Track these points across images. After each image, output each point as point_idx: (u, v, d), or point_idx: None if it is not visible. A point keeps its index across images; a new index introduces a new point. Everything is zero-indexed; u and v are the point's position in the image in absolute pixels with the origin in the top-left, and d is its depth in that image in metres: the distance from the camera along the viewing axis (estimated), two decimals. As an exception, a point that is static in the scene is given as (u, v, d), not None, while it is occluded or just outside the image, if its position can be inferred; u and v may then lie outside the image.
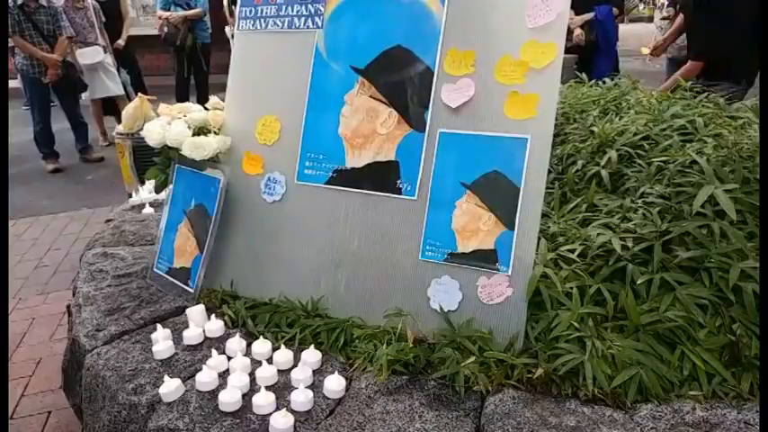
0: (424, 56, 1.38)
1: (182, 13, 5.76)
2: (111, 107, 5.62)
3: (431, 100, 1.37)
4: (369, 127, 1.43)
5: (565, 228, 1.49)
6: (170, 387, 1.13)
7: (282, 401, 1.13)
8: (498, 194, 1.29)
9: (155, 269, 1.60)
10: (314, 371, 1.21)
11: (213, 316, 1.38)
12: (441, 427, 1.05)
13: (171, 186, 1.62)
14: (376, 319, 1.36)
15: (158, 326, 1.31)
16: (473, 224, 1.31)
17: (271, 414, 1.08)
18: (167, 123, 1.62)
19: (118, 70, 5.54)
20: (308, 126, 1.50)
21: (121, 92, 5.49)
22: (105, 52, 5.33)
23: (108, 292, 1.55)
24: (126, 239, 1.90)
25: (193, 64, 6.01)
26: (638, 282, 1.26)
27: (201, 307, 1.40)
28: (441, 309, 1.29)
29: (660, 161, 1.67)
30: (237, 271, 1.55)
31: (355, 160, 1.44)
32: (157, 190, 1.68)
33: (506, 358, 1.18)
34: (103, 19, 5.37)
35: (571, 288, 1.27)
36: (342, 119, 1.46)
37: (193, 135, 1.56)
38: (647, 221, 1.43)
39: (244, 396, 1.13)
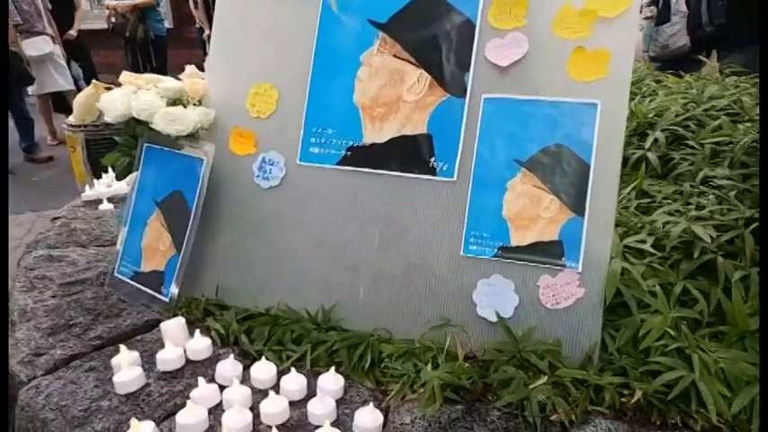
0: (462, 5, 1.12)
1: (130, 1, 5.34)
2: (60, 104, 5.14)
3: (472, 58, 1.10)
4: (393, 93, 1.15)
5: (622, 217, 1.25)
6: (141, 433, 0.82)
7: (300, 446, 0.83)
8: (563, 173, 1.03)
9: (116, 274, 1.27)
10: (336, 401, 0.92)
11: (197, 332, 1.06)
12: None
13: (137, 172, 1.29)
14: (406, 332, 1.08)
15: (121, 347, 0.98)
16: (531, 210, 1.05)
17: (287, 466, 0.78)
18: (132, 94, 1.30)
19: (68, 63, 5.07)
20: (314, 94, 1.21)
21: (72, 87, 5.02)
22: (54, 43, 4.87)
23: (52, 305, 1.21)
24: (77, 239, 1.56)
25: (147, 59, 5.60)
26: (734, 278, 1.03)
27: (181, 320, 1.08)
28: (497, 316, 1.02)
29: (713, 143, 1.46)
30: (224, 275, 1.24)
31: (375, 135, 1.16)
32: (119, 176, 1.35)
33: (588, 377, 0.92)
34: (49, 6, 4.91)
35: (654, 286, 1.02)
36: (357, 84, 1.17)
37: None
38: (723, 207, 1.20)
39: (246, 441, 0.83)
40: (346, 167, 1.17)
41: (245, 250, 1.23)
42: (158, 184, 1.25)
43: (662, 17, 4.45)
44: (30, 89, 4.85)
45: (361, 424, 0.85)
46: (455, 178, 1.10)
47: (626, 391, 0.91)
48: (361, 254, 1.14)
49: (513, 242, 1.05)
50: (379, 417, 0.87)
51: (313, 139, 1.20)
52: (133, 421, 0.81)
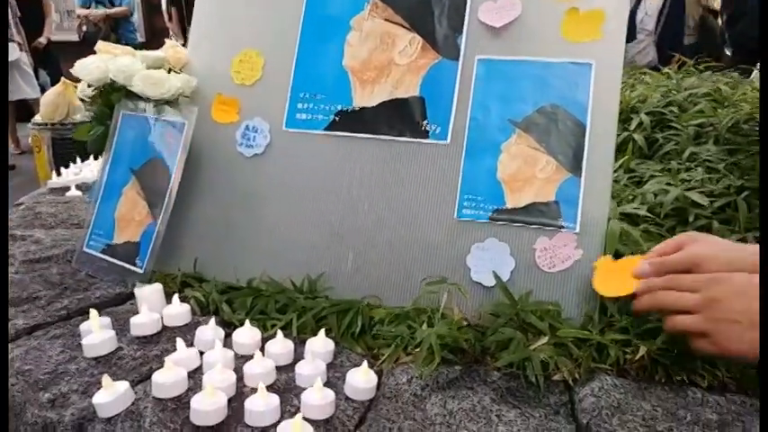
0: (454, -32, 1.10)
1: (102, 10, 5.26)
2: (26, 112, 4.99)
3: (465, 21, 1.08)
4: (384, 57, 1.12)
5: (613, 190, 1.23)
6: (111, 394, 0.74)
7: (288, 407, 0.77)
8: (558, 133, 1.01)
9: (85, 249, 1.19)
10: (326, 365, 0.85)
11: (175, 297, 0.99)
12: (535, 426, 0.73)
13: (113, 140, 1.22)
14: (397, 301, 1.02)
15: (91, 311, 0.90)
16: (526, 171, 1.02)
17: (275, 426, 0.71)
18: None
19: (36, 71, 4.95)
20: (302, 59, 1.17)
21: (38, 95, 4.88)
22: (21, 50, 4.75)
23: (15, 279, 1.12)
24: (43, 222, 1.46)
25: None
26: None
27: (158, 286, 1.00)
28: (495, 276, 0.98)
29: (696, 124, 1.47)
30: (203, 248, 1.17)
31: (366, 98, 1.12)
32: (92, 149, 1.27)
33: (590, 336, 0.88)
34: (18, 14, 4.80)
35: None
36: (347, 48, 1.14)
37: (146, 71, 1.19)
38: (713, 177, 1.20)
39: (229, 402, 0.76)
40: (335, 132, 1.12)
41: (226, 221, 1.17)
42: (135, 152, 1.18)
43: (628, 35, 4.60)
44: (-7, 95, 4.70)
45: (354, 383, 0.79)
46: (448, 141, 1.06)
47: (629, 350, 0.87)
48: (348, 221, 1.09)
49: (509, 204, 1.02)
50: (374, 377, 0.81)
51: (300, 105, 1.16)
52: (105, 378, 0.74)
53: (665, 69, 2.01)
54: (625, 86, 1.89)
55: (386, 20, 1.12)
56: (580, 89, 1.01)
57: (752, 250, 0.79)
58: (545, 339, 0.87)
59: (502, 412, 0.76)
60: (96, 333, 0.86)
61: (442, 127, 1.07)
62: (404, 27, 1.11)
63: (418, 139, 1.07)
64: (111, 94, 1.21)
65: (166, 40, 1.34)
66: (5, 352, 0.86)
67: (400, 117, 1.09)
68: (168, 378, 0.77)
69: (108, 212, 1.19)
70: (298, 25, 1.17)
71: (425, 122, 1.08)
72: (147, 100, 1.15)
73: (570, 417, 0.77)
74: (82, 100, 1.31)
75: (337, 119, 1.13)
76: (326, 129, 1.13)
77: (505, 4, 1.06)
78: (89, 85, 1.23)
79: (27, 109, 4.95)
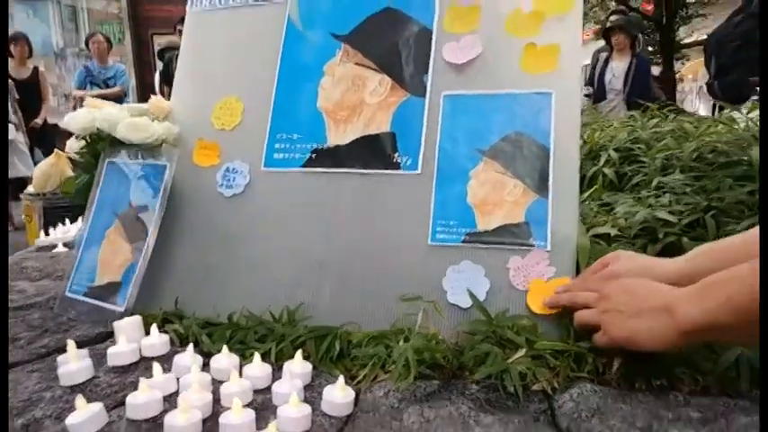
0: (418, 16, 1.19)
1: (98, 91, 5.47)
2: (21, 190, 5.05)
3: (431, 61, 1.16)
4: (355, 97, 1.18)
5: (584, 218, 1.27)
6: (83, 415, 0.73)
7: (264, 425, 0.76)
8: (523, 158, 1.06)
9: (66, 293, 1.20)
10: (304, 386, 0.85)
11: (153, 327, 0.99)
12: (513, 429, 0.72)
13: (97, 187, 1.26)
14: (375, 327, 1.03)
15: (69, 341, 0.90)
16: (495, 195, 1.06)
17: (250, 439, 0.70)
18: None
19: (32, 150, 5.07)
20: (279, 103, 1.24)
21: (32, 173, 4.96)
22: (17, 130, 4.89)
23: (-3, 324, 1.12)
24: (28, 276, 1.47)
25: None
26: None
27: (137, 318, 1.01)
28: (470, 295, 0.99)
29: (663, 157, 1.54)
30: (184, 286, 1.18)
31: (339, 137, 1.17)
32: (76, 197, 1.31)
33: (568, 347, 0.89)
34: (17, 96, 4.98)
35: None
36: (321, 91, 1.21)
37: (131, 121, 1.25)
38: (681, 200, 1.24)
39: (205, 422, 0.75)
40: (311, 169, 1.17)
41: (206, 260, 1.19)
42: (119, 197, 1.22)
43: (598, 95, 4.85)
44: (-12, 174, 4.78)
45: (331, 399, 0.79)
46: (419, 171, 1.11)
47: (606, 360, 0.87)
48: (326, 253, 1.12)
49: (480, 227, 1.05)
50: (351, 392, 0.81)
51: (278, 145, 1.21)
52: (79, 398, 0.73)
53: (631, 113, 2.11)
54: (593, 130, 1.98)
55: (356, 63, 1.20)
56: (542, 116, 1.07)
57: (670, 267, 0.89)
58: (522, 352, 0.88)
59: (480, 418, 0.75)
60: (72, 361, 0.86)
61: (413, 158, 1.12)
62: (373, 69, 1.19)
63: (390, 171, 1.12)
64: (97, 144, 1.26)
65: (152, 98, 1.41)
66: (5, 356, 0.86)
67: (372, 151, 1.14)
68: (143, 399, 0.76)
69: (91, 256, 1.21)
70: (274, 73, 1.25)
71: (396, 155, 1.13)
72: (131, 146, 1.20)
73: (551, 424, 0.77)
74: (71, 160, 1.37)
75: (313, 156, 1.18)
76: (303, 166, 1.18)
77: (467, 44, 1.14)
78: (76, 137, 1.28)
79: (22, 188, 5.02)
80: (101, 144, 1.26)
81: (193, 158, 1.26)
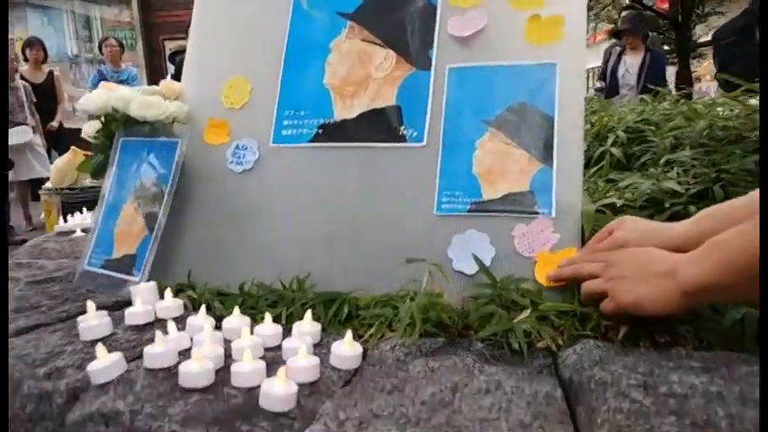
0: (422, -8, 1.21)
1: None
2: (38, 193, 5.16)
3: (435, 35, 1.18)
4: (361, 73, 1.21)
5: (591, 190, 1.28)
6: (104, 362, 0.76)
7: (274, 375, 0.78)
8: (528, 128, 1.08)
9: (85, 267, 1.23)
10: (314, 345, 0.87)
11: (167, 291, 1.02)
12: (516, 378, 0.74)
13: (113, 165, 1.29)
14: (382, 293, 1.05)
15: (89, 302, 0.94)
16: (500, 164, 1.07)
17: (259, 387, 0.73)
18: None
19: (49, 152, 5.17)
20: (286, 81, 1.27)
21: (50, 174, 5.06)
22: (34, 133, 4.99)
23: (18, 295, 1.16)
24: (48, 255, 1.52)
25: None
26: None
27: (153, 283, 1.04)
28: (476, 259, 1.01)
29: (672, 136, 1.54)
30: (197, 259, 1.21)
31: (346, 111, 1.20)
32: (94, 175, 1.35)
33: (573, 307, 0.90)
34: (34, 99, 5.09)
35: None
36: (327, 68, 1.24)
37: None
38: (688, 170, 1.25)
39: (217, 372, 0.78)
40: (319, 144, 1.20)
41: (217, 235, 1.22)
42: (133, 173, 1.26)
43: (611, 90, 4.80)
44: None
45: (340, 353, 0.81)
46: (425, 143, 1.13)
47: (611, 323, 0.88)
48: (333, 226, 1.14)
49: (485, 196, 1.07)
50: (359, 347, 0.83)
51: (285, 122, 1.24)
52: (100, 346, 0.77)
53: (642, 96, 2.11)
54: (601, 116, 1.98)
55: (362, 40, 1.23)
56: (546, 87, 1.09)
57: (676, 230, 0.90)
58: (527, 312, 0.90)
59: (485, 368, 0.77)
60: (92, 320, 0.89)
61: (418, 131, 1.14)
62: (379, 45, 1.21)
63: (396, 144, 1.14)
64: (112, 123, 1.29)
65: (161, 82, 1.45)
66: (5, 351, 0.89)
67: (378, 125, 1.16)
68: (159, 349, 0.79)
69: (108, 231, 1.24)
70: (281, 52, 1.28)
71: (402, 127, 1.15)
72: (144, 124, 1.24)
73: (554, 375, 0.78)
74: (86, 143, 1.41)
75: (320, 131, 1.20)
76: (311, 141, 1.20)
77: (472, 17, 1.16)
78: (90, 117, 1.32)
79: (40, 188, 5.12)
80: (115, 124, 1.30)
81: (204, 137, 1.29)
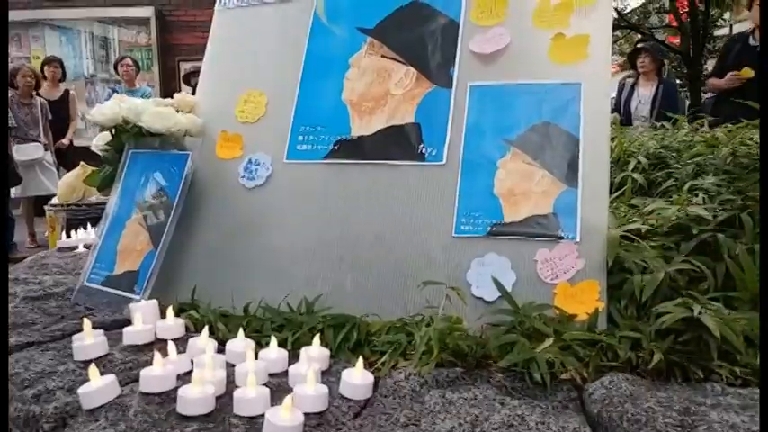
0: (445, 9, 1.19)
1: None
2: (43, 210, 5.14)
3: (457, 53, 1.15)
4: (380, 89, 1.17)
5: (615, 213, 1.23)
6: (95, 385, 0.71)
7: (279, 403, 0.72)
8: (552, 148, 1.03)
9: (85, 282, 1.18)
10: (321, 372, 0.82)
11: (169, 309, 0.97)
12: (541, 413, 0.68)
13: (120, 177, 1.25)
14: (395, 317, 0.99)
15: (85, 320, 0.89)
16: (523, 186, 1.03)
17: (263, 415, 0.67)
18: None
19: (59, 170, 5.16)
20: (303, 96, 1.23)
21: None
22: (46, 150, 4.99)
23: (13, 311, 1.11)
24: (48, 271, 1.47)
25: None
26: (737, 252, 0.99)
27: (154, 301, 0.99)
28: (496, 284, 0.95)
29: (696, 163, 1.49)
30: (202, 276, 1.16)
31: (363, 127, 1.16)
32: (101, 187, 1.31)
33: (597, 338, 0.84)
34: (50, 116, 5.10)
35: (654, 258, 0.98)
36: (346, 83, 1.20)
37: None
38: (714, 197, 1.19)
39: (218, 399, 0.72)
40: (334, 160, 1.16)
41: (226, 251, 1.17)
42: (141, 185, 1.22)
43: (624, 123, 4.76)
44: (12, 191, 4.86)
45: (350, 380, 0.75)
46: (444, 162, 1.08)
47: (639, 353, 0.82)
48: (347, 245, 1.09)
49: (507, 218, 1.02)
50: (370, 376, 0.77)
51: (301, 137, 1.20)
52: (92, 368, 0.71)
53: (661, 123, 2.07)
54: (621, 142, 1.94)
55: (382, 56, 1.20)
56: (571, 106, 1.04)
57: None
58: (550, 341, 0.83)
59: (506, 401, 0.71)
60: (87, 339, 0.84)
61: (438, 149, 1.09)
62: (399, 61, 1.18)
63: (415, 162, 1.10)
64: (122, 135, 1.26)
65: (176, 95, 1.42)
66: (5, 356, 0.84)
67: (397, 142, 1.12)
68: (157, 372, 0.74)
69: (111, 245, 1.19)
70: (299, 66, 1.25)
71: (421, 146, 1.11)
72: (155, 136, 1.20)
73: (580, 411, 0.72)
74: (95, 160, 1.38)
75: (336, 148, 1.16)
76: (326, 158, 1.16)
77: (495, 35, 1.13)
78: (101, 129, 1.29)
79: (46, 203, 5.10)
80: (125, 135, 1.26)
81: (216, 152, 1.26)
